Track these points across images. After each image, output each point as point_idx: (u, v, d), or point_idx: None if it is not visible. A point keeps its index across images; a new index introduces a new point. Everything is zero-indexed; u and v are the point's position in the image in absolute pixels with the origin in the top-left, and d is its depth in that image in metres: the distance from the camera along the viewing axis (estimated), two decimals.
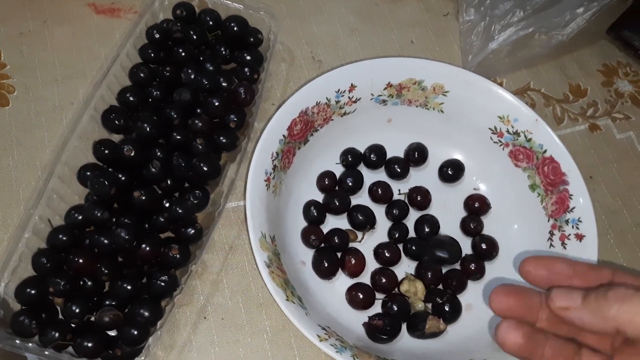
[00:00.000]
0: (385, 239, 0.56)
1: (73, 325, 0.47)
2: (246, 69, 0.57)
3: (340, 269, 0.54)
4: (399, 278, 0.54)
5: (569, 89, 0.67)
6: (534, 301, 0.37)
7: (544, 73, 0.67)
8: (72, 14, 0.63)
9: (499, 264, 0.55)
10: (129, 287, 0.47)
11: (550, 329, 0.37)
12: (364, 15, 0.68)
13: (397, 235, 0.55)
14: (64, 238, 0.48)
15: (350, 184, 0.57)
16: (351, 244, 0.55)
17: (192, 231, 0.51)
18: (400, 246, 0.55)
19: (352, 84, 0.55)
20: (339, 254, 0.54)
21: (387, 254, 0.54)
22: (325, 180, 0.57)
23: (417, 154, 0.59)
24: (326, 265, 0.52)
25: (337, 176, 0.57)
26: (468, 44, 0.64)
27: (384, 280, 0.53)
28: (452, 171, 0.58)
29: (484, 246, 0.55)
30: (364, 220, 0.55)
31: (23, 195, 0.54)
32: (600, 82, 0.68)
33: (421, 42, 0.67)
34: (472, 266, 0.54)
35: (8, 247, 0.50)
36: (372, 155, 0.58)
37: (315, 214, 0.55)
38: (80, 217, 0.50)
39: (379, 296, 0.53)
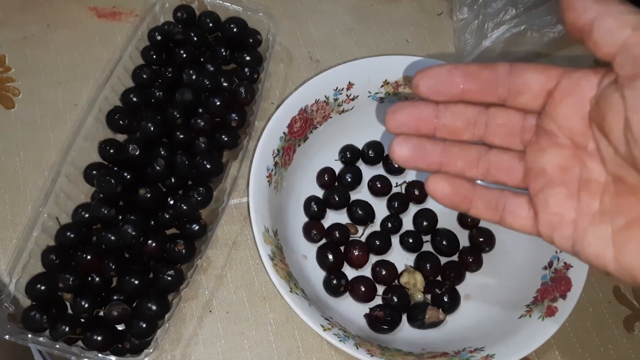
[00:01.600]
0: None
1: (82, 320, 0.48)
2: (246, 69, 0.59)
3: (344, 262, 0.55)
4: (399, 270, 0.55)
5: None
6: (427, 112, 0.36)
7: None
8: (74, 18, 0.65)
9: (496, 255, 0.57)
10: (136, 282, 0.49)
11: (450, 136, 0.37)
12: (359, 15, 0.69)
13: (389, 225, 0.57)
14: (72, 235, 0.50)
15: (349, 179, 0.58)
16: (351, 238, 0.56)
17: (197, 227, 0.52)
18: (397, 238, 0.57)
19: (349, 82, 0.57)
20: (341, 248, 0.55)
21: (377, 242, 0.55)
22: (325, 177, 0.58)
23: None
24: (331, 259, 0.54)
25: (337, 172, 0.59)
26: (462, 42, 0.65)
27: (384, 272, 0.54)
28: None
29: (481, 239, 0.57)
30: (363, 215, 0.57)
31: (30, 195, 0.55)
32: None
33: (416, 41, 0.69)
34: (470, 258, 0.56)
35: (18, 245, 0.51)
36: (370, 152, 0.60)
37: (316, 209, 0.56)
38: (87, 215, 0.51)
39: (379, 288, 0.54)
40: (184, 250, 0.50)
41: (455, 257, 0.57)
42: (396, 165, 0.59)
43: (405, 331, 0.53)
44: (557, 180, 0.34)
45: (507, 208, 0.37)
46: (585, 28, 0.31)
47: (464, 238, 0.58)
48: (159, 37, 0.59)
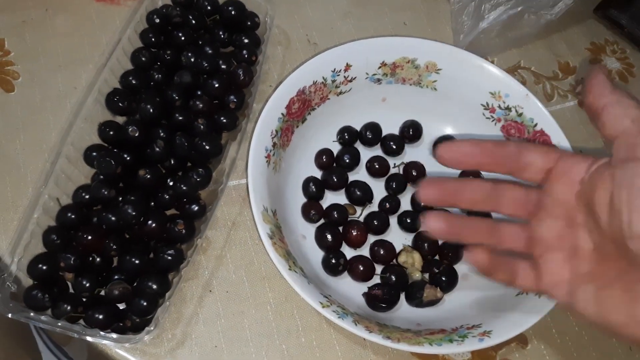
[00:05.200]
0: None
1: (84, 299, 0.48)
2: (244, 52, 0.59)
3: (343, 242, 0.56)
4: (397, 250, 0.56)
5: (558, 67, 0.69)
6: (452, 187, 0.44)
7: (533, 52, 0.69)
8: (72, 2, 0.65)
9: None
10: (136, 262, 0.49)
11: (471, 207, 0.44)
12: None
13: (387, 205, 0.57)
14: (73, 216, 0.50)
15: (347, 160, 0.58)
16: (350, 218, 0.57)
17: (196, 207, 0.52)
18: (395, 218, 0.57)
19: (347, 64, 0.57)
20: (339, 228, 0.56)
21: (375, 222, 0.56)
22: (323, 158, 0.58)
23: (411, 131, 0.60)
24: (330, 239, 0.54)
25: (335, 153, 0.59)
26: (459, 24, 0.65)
27: (382, 252, 0.55)
28: None
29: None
30: (361, 195, 0.57)
31: (31, 177, 0.55)
32: (588, 60, 0.70)
33: (413, 24, 0.69)
34: None
35: (19, 226, 0.52)
36: (368, 133, 0.60)
37: (314, 190, 0.57)
38: (87, 196, 0.51)
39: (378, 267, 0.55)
40: (184, 230, 0.50)
41: None
42: (394, 147, 0.60)
43: (404, 309, 0.53)
44: (555, 246, 0.41)
45: (518, 272, 0.43)
46: (597, 111, 0.39)
47: None
48: (157, 20, 0.60)
